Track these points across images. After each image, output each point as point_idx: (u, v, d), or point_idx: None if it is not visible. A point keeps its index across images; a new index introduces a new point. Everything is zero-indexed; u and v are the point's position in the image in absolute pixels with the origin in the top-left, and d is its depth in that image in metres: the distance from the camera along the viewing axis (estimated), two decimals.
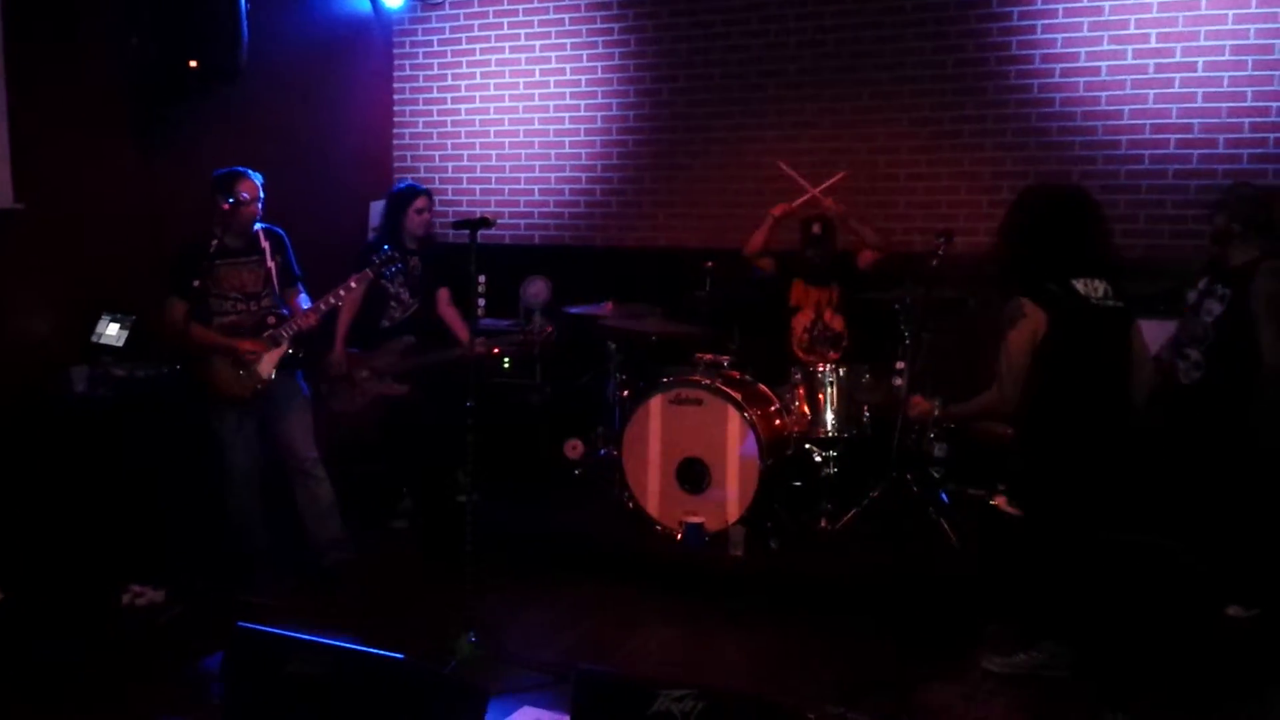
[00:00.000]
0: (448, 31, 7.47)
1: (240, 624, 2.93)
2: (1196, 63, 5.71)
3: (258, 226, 4.96)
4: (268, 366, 4.85)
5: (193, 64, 5.38)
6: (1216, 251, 4.61)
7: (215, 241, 4.80)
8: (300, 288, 5.11)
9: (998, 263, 4.05)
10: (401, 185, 5.96)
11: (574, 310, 6.21)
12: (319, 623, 4.33)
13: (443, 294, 5.79)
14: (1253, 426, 4.44)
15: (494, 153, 7.43)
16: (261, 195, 4.91)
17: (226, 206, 4.77)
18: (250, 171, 4.89)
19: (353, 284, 5.03)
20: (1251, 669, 4.14)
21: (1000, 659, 4.09)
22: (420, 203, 5.70)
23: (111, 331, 5.15)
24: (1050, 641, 4.04)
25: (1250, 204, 4.55)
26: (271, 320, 4.88)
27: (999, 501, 5.16)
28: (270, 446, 5.02)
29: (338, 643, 2.82)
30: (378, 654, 2.76)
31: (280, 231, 5.07)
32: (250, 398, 4.84)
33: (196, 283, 4.75)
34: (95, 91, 5.38)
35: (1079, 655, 4.02)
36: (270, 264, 4.96)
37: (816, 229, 5.85)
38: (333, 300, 4.98)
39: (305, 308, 4.97)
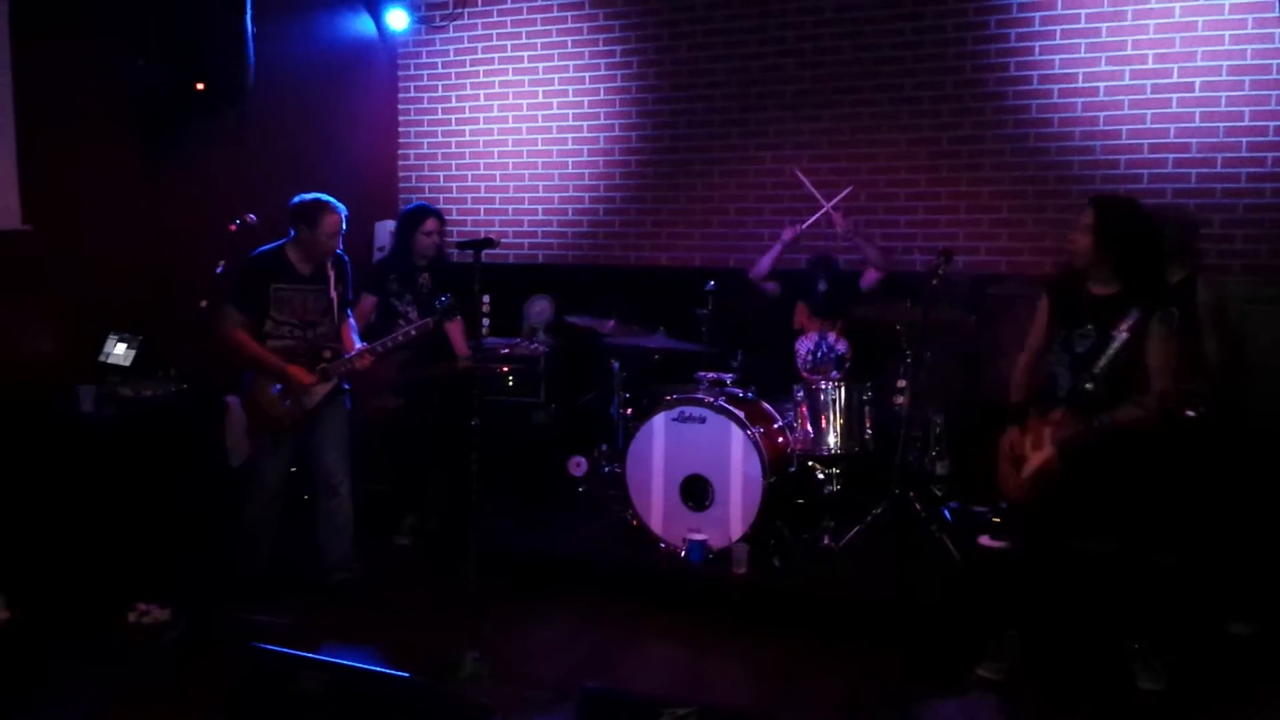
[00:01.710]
0: (452, 53, 7.53)
1: (252, 643, 2.95)
2: (1194, 83, 5.75)
3: None
4: (314, 399, 4.86)
5: (199, 86, 5.41)
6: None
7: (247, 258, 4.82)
8: (349, 313, 5.12)
9: (1140, 271, 4.05)
10: (412, 206, 5.97)
11: (575, 320, 6.23)
12: (324, 639, 4.38)
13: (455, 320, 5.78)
14: (1231, 438, 4.53)
15: (498, 173, 7.48)
16: (344, 229, 4.90)
17: (306, 237, 4.81)
18: (336, 203, 4.86)
19: (413, 332, 4.99)
20: (1255, 685, 4.16)
21: (992, 664, 4.17)
22: (429, 224, 5.70)
23: (119, 351, 5.18)
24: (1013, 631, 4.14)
25: (1181, 227, 4.77)
26: (327, 355, 4.89)
27: (984, 539, 5.22)
28: (302, 457, 5.03)
29: (343, 661, 2.84)
30: (382, 672, 2.79)
31: (346, 259, 5.06)
32: (289, 425, 4.86)
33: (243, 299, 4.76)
34: (102, 113, 5.42)
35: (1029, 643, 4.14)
36: (333, 294, 4.95)
37: (823, 285, 5.89)
38: (389, 344, 4.96)
39: (359, 347, 4.95)
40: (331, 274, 4.95)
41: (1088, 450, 3.89)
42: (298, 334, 4.90)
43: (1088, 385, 3.96)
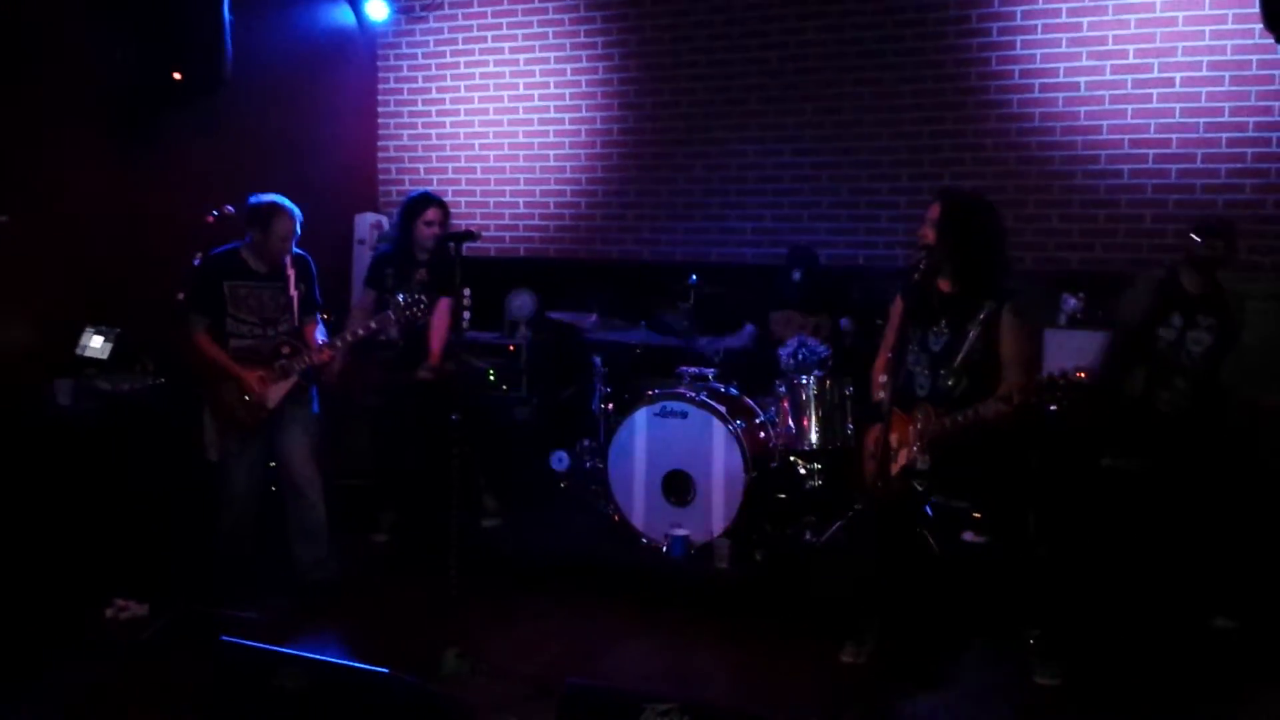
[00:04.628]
0: (432, 44, 7.49)
1: (224, 638, 2.92)
2: (1174, 78, 5.77)
3: None
4: (274, 397, 4.81)
5: (176, 76, 5.37)
6: (1187, 276, 4.72)
7: (199, 255, 4.80)
8: (318, 318, 5.07)
9: (983, 266, 4.11)
10: (414, 194, 5.77)
11: (558, 316, 6.20)
12: (303, 637, 4.36)
13: (442, 304, 5.57)
14: (1232, 442, 4.57)
15: (479, 165, 7.44)
16: (298, 232, 4.84)
17: (258, 239, 4.78)
18: (290, 205, 4.81)
19: (373, 325, 4.97)
20: (1238, 679, 4.18)
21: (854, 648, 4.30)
22: (431, 214, 5.55)
23: (95, 344, 5.12)
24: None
25: (1234, 235, 4.71)
26: (286, 350, 4.84)
27: (967, 535, 5.27)
28: (271, 459, 5.00)
29: (322, 657, 2.81)
30: (362, 668, 2.76)
31: (308, 258, 5.01)
32: (253, 425, 4.81)
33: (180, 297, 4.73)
34: (79, 103, 5.36)
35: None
36: (294, 292, 4.91)
37: (798, 275, 5.90)
38: (349, 338, 4.94)
39: (321, 342, 4.93)
40: (291, 272, 4.91)
41: (956, 445, 3.98)
42: (258, 332, 4.85)
43: (948, 382, 4.08)
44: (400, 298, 4.88)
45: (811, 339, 5.86)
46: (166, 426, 5.08)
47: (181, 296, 4.88)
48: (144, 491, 4.94)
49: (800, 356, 5.84)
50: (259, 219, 4.77)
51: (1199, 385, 4.63)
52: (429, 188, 7.04)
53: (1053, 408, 3.76)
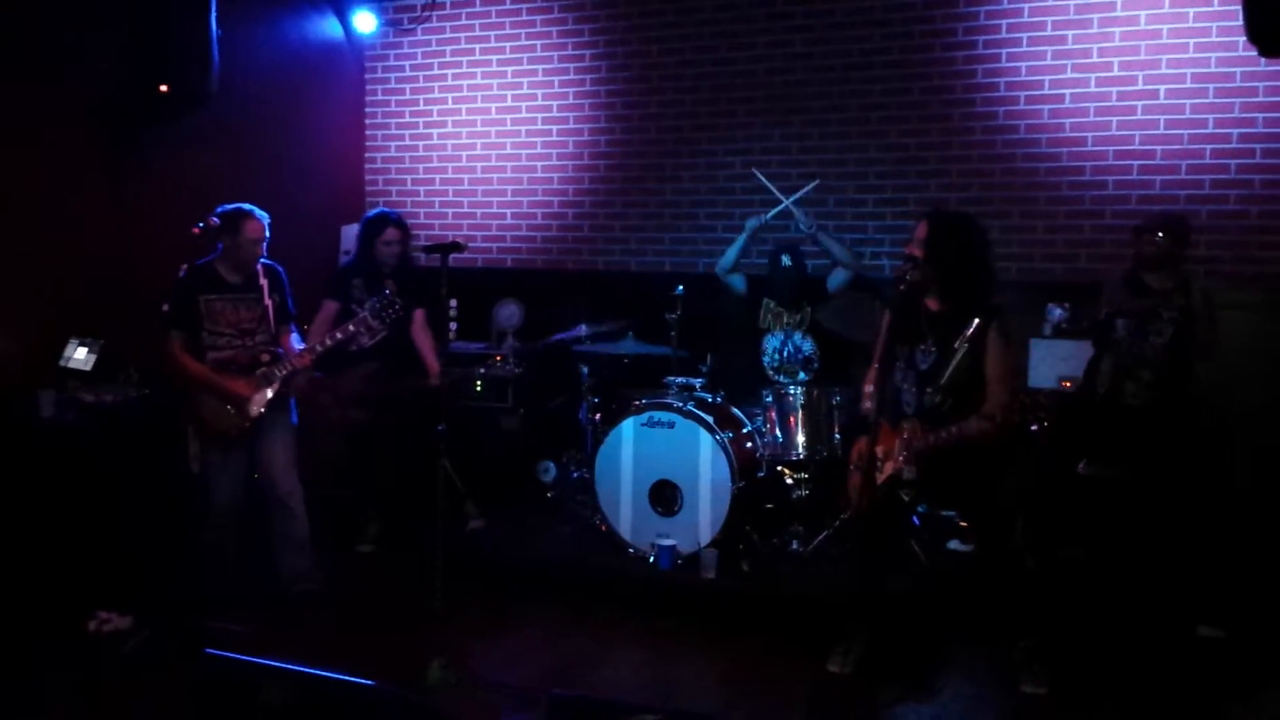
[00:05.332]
0: (419, 56, 7.50)
1: (209, 650, 2.90)
2: (1158, 90, 5.81)
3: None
4: (257, 406, 4.81)
5: (163, 88, 5.37)
6: (1147, 274, 4.80)
7: (184, 267, 4.78)
8: (292, 327, 5.07)
9: (970, 285, 4.12)
10: (373, 213, 5.84)
11: (552, 340, 6.21)
12: (288, 649, 4.33)
13: (418, 315, 5.72)
14: (1204, 437, 4.62)
15: (466, 177, 7.44)
16: (267, 235, 4.87)
17: (229, 246, 4.79)
18: (256, 210, 4.85)
19: (350, 328, 4.99)
20: (1223, 687, 4.19)
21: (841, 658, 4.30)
22: (389, 234, 5.61)
23: (79, 356, 5.10)
24: None
25: (1187, 231, 4.83)
26: (265, 358, 4.86)
27: (953, 544, 5.30)
28: (253, 471, 4.98)
29: (307, 669, 2.80)
30: (347, 680, 2.75)
31: (279, 269, 5.03)
32: (237, 435, 4.81)
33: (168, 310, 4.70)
34: (65, 115, 5.35)
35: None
36: (268, 301, 4.91)
37: (787, 260, 5.91)
38: (329, 342, 4.94)
39: (299, 349, 4.93)
40: (264, 283, 4.93)
41: (940, 460, 4.03)
42: (236, 344, 4.85)
43: (935, 399, 4.11)
44: (375, 300, 4.93)
45: (797, 334, 5.87)
46: (150, 438, 5.06)
47: (166, 308, 4.87)
48: (127, 503, 4.91)
49: (786, 352, 5.85)
50: (228, 225, 4.80)
51: (1164, 376, 4.66)
52: (402, 200, 7.08)
53: (1034, 427, 3.79)
